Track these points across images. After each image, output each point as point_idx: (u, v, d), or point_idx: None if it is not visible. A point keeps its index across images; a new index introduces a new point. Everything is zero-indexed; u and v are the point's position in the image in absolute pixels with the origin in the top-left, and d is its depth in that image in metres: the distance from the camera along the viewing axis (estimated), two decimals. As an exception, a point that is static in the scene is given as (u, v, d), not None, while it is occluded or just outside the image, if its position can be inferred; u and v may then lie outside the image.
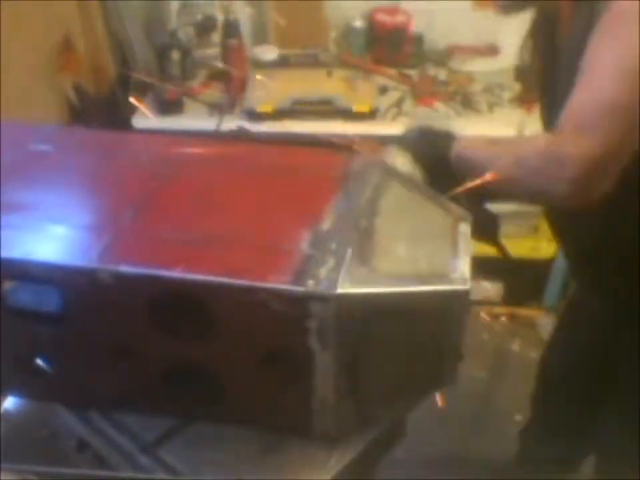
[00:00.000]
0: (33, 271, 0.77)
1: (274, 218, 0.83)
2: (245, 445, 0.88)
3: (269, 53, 2.45)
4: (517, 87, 2.33)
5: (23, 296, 0.83)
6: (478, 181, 0.91)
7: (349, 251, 0.77)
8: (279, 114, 2.22)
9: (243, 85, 2.31)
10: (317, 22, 2.48)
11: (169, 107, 2.25)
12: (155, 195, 0.87)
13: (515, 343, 2.37)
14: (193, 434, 0.89)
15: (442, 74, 2.41)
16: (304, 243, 0.77)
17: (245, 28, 2.40)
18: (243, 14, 2.41)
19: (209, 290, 0.73)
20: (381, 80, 2.42)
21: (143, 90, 2.40)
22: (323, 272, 0.73)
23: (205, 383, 0.81)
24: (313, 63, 2.45)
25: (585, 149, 0.83)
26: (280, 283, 0.72)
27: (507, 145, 0.98)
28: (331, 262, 0.75)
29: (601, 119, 0.84)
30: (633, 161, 0.87)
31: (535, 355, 1.96)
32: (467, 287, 0.75)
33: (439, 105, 2.29)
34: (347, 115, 2.22)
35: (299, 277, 0.72)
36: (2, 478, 0.77)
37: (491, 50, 2.46)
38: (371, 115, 2.23)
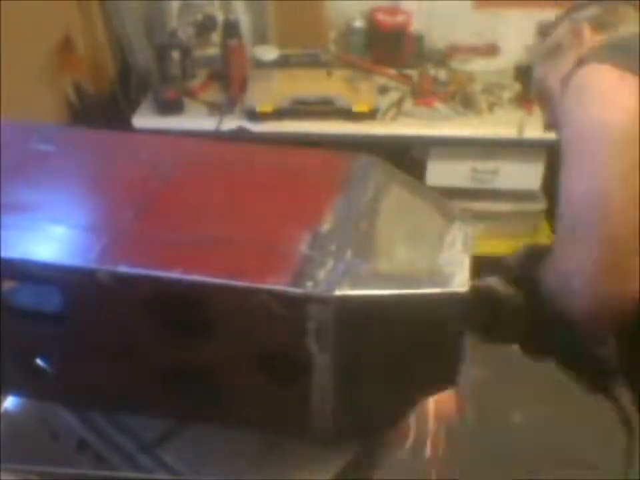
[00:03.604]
0: (33, 271, 0.77)
1: (273, 219, 0.83)
2: (245, 445, 0.88)
3: (269, 52, 2.45)
4: (516, 86, 2.34)
5: (23, 296, 0.83)
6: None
7: (349, 253, 0.76)
8: (279, 114, 2.22)
9: (243, 85, 2.31)
10: (317, 22, 2.48)
11: (169, 107, 2.25)
12: (155, 196, 0.87)
13: (514, 343, 2.37)
14: (193, 434, 0.89)
15: (442, 74, 2.42)
16: (303, 244, 0.77)
17: (245, 28, 2.40)
18: (243, 14, 2.42)
19: (208, 291, 0.73)
20: (380, 80, 2.42)
21: (143, 90, 2.40)
22: (322, 273, 0.73)
23: (204, 383, 0.81)
24: (313, 63, 2.45)
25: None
26: (279, 285, 0.72)
27: None
28: (330, 263, 0.75)
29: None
30: None
31: (534, 355, 1.95)
32: (466, 289, 0.75)
33: (439, 105, 2.29)
34: (347, 114, 2.23)
35: (298, 279, 0.72)
36: (2, 478, 0.77)
37: (491, 50, 2.47)
38: (371, 114, 2.23)
